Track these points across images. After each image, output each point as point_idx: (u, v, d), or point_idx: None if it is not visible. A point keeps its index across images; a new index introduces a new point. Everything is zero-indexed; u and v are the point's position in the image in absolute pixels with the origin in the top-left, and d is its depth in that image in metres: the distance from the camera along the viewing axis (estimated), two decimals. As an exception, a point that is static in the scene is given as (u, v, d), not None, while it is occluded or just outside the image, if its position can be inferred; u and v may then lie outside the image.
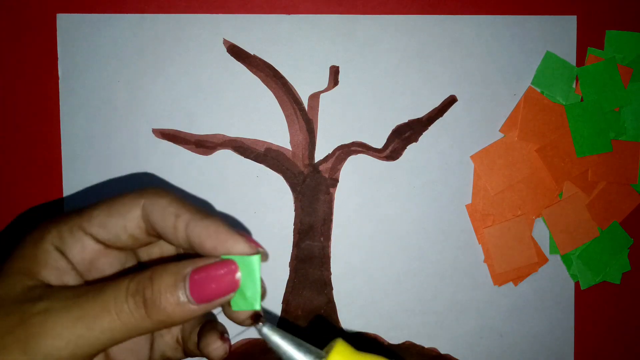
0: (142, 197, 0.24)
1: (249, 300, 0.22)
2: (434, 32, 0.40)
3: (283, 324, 0.40)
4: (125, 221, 0.24)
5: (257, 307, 0.22)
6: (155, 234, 0.24)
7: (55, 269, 0.23)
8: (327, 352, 0.22)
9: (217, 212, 0.40)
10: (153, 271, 0.22)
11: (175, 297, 0.21)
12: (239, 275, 0.22)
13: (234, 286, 0.22)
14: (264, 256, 0.23)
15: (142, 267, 0.26)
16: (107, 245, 0.24)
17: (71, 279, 0.24)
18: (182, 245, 0.23)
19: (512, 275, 0.41)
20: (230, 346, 0.26)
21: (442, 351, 0.41)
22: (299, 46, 0.40)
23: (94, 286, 0.22)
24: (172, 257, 0.27)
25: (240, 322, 0.24)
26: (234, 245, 0.22)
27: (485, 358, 0.42)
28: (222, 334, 0.26)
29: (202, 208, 0.24)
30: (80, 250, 0.24)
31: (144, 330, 0.22)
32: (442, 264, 0.41)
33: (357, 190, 0.40)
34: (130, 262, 0.27)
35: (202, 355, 0.25)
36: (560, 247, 0.41)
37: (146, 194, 0.24)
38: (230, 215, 0.40)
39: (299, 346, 0.22)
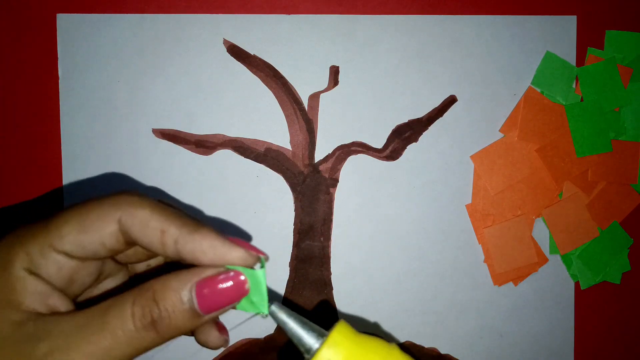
0: (118, 209, 0.22)
1: (256, 304, 0.22)
2: (434, 32, 0.40)
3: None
4: (101, 237, 0.22)
5: (265, 312, 0.22)
6: (136, 244, 0.22)
7: (37, 294, 0.21)
8: (329, 331, 0.22)
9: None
10: (155, 291, 0.21)
11: (185, 314, 0.21)
12: (247, 285, 0.21)
13: (242, 294, 0.22)
14: (265, 259, 0.22)
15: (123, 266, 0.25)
16: (83, 259, 0.22)
17: (57, 301, 0.22)
18: (172, 258, 0.22)
19: (512, 275, 0.41)
20: (228, 335, 0.25)
21: (442, 351, 0.41)
22: (299, 46, 0.40)
23: (93, 314, 0.21)
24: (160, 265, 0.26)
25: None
26: (234, 258, 0.21)
27: (485, 358, 0.42)
28: (219, 324, 0.25)
29: (186, 215, 0.22)
30: (56, 271, 0.22)
31: (155, 346, 0.21)
32: (442, 264, 0.41)
33: (357, 190, 0.40)
34: (111, 265, 0.25)
35: (200, 344, 0.25)
36: (560, 247, 0.41)
37: (121, 205, 0.22)
38: (227, 220, 0.40)
39: (303, 324, 0.22)
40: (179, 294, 0.21)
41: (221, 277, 0.21)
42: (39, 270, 0.21)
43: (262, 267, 0.22)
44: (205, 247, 0.21)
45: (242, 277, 0.21)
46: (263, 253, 0.22)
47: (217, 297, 0.21)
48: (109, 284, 0.25)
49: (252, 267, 0.22)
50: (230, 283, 0.21)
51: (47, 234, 0.21)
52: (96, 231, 0.21)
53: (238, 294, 0.21)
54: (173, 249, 0.21)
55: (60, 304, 0.22)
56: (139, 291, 0.21)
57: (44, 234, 0.21)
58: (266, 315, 0.22)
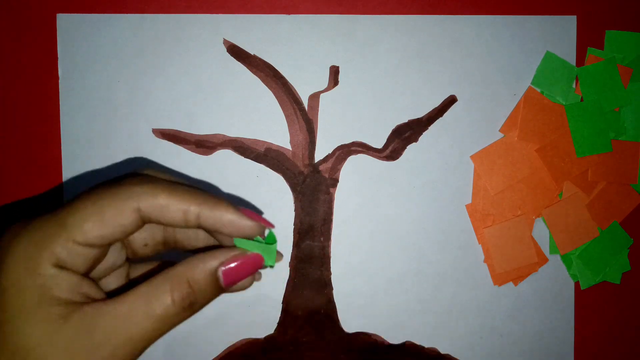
0: (135, 200, 0.23)
1: (265, 264, 0.26)
2: (434, 32, 0.40)
3: (283, 323, 0.40)
4: (122, 227, 0.23)
5: (273, 264, 0.26)
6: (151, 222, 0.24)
7: (71, 287, 0.23)
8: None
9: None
10: (188, 277, 0.23)
11: (213, 292, 0.24)
12: (264, 262, 0.25)
13: (258, 269, 0.25)
14: (273, 228, 0.26)
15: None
16: (106, 246, 0.24)
17: (89, 289, 0.23)
18: (189, 228, 0.25)
19: (512, 275, 0.41)
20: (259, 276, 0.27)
21: (442, 351, 0.41)
22: (299, 46, 0.40)
23: (134, 301, 0.23)
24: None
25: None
26: (249, 229, 0.24)
27: (485, 358, 0.42)
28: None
29: (201, 191, 0.24)
30: (82, 262, 0.23)
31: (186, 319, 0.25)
32: (442, 264, 0.41)
33: (357, 190, 0.40)
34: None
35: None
36: (560, 247, 0.41)
37: (138, 195, 0.23)
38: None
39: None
40: (209, 276, 0.24)
41: (243, 258, 0.24)
42: (66, 264, 0.22)
43: (270, 238, 0.26)
44: (226, 221, 0.24)
45: (259, 256, 0.25)
46: (271, 225, 0.26)
47: (239, 274, 0.24)
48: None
49: (262, 235, 0.25)
50: (250, 265, 0.25)
51: (68, 231, 0.22)
52: (117, 224, 0.23)
53: (255, 269, 0.25)
54: (195, 224, 0.24)
55: (93, 291, 0.23)
56: (173, 277, 0.23)
57: (64, 231, 0.22)
58: (272, 266, 0.26)
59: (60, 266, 0.22)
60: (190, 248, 0.28)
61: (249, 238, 0.25)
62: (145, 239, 0.27)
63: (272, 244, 0.25)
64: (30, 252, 0.22)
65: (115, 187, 0.23)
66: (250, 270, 0.25)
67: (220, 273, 0.24)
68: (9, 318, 0.22)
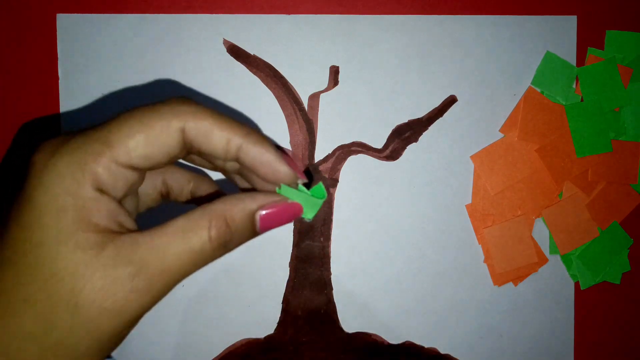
0: (181, 119, 0.22)
1: (304, 215, 0.25)
2: (434, 32, 0.40)
3: (283, 323, 0.40)
4: (167, 148, 0.22)
5: (311, 218, 0.25)
6: (191, 153, 0.24)
7: (109, 213, 0.22)
8: None
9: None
10: (226, 216, 0.23)
11: (248, 234, 0.24)
12: (302, 212, 0.24)
13: (295, 218, 0.25)
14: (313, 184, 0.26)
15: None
16: (146, 170, 0.23)
17: (125, 219, 0.22)
18: (225, 168, 0.24)
19: (512, 275, 0.41)
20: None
21: (442, 351, 0.41)
22: (299, 46, 0.40)
23: (172, 234, 0.22)
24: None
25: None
26: (285, 179, 0.24)
27: (485, 358, 0.42)
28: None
29: (247, 125, 0.24)
30: (121, 187, 0.22)
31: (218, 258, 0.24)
32: (442, 264, 0.41)
33: (357, 190, 0.40)
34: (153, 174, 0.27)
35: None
36: (560, 247, 0.41)
37: (184, 115, 0.22)
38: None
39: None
40: (247, 217, 0.23)
41: (283, 205, 0.24)
42: (107, 188, 0.21)
43: (319, 192, 0.25)
44: (264, 160, 0.23)
45: (299, 206, 0.24)
46: (305, 177, 0.25)
47: (275, 221, 0.24)
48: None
49: (296, 184, 0.24)
50: (289, 213, 0.24)
51: (112, 149, 0.21)
52: (162, 143, 0.22)
53: (292, 219, 0.24)
54: (234, 156, 0.23)
55: (127, 221, 0.22)
56: (212, 213, 0.22)
57: (107, 149, 0.21)
58: (310, 219, 0.25)
59: (101, 189, 0.21)
60: (182, 199, 0.28)
61: (283, 184, 0.24)
62: (150, 187, 0.27)
63: (319, 198, 0.25)
64: (71, 170, 0.21)
65: (160, 106, 0.22)
66: (287, 219, 0.24)
67: (257, 216, 0.23)
68: (44, 240, 0.20)
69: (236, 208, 0.23)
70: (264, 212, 0.23)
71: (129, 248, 0.21)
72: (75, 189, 0.21)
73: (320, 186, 0.25)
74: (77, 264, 0.20)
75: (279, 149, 0.24)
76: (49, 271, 0.20)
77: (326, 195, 0.25)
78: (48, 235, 0.20)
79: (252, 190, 0.25)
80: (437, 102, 0.41)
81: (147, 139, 0.22)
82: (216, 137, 0.23)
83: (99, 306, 0.20)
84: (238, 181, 0.27)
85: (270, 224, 0.24)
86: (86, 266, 0.20)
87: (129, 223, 0.22)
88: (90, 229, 0.21)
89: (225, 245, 0.23)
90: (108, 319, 0.21)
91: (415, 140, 0.41)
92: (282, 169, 0.23)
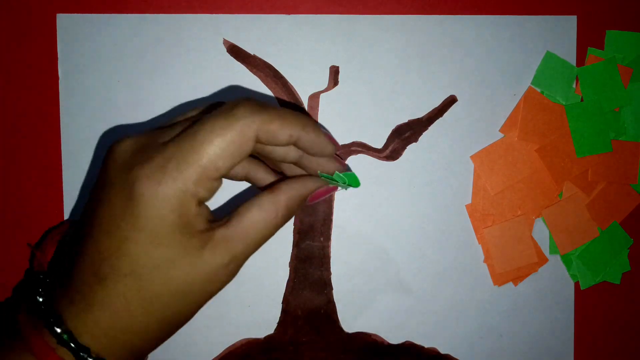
0: (256, 130, 0.26)
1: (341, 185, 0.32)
2: (434, 32, 0.40)
3: (283, 323, 0.40)
4: (244, 155, 0.26)
5: (345, 188, 0.32)
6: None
7: (205, 219, 0.27)
8: None
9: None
10: (289, 204, 0.28)
11: (301, 207, 0.30)
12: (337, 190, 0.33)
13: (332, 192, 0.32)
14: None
15: None
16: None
17: (209, 213, 0.28)
18: (282, 155, 0.29)
19: (512, 275, 0.41)
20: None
21: (442, 351, 0.41)
22: (299, 46, 0.40)
23: (253, 224, 0.28)
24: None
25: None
26: (330, 152, 0.30)
27: (485, 358, 0.42)
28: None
29: (298, 114, 0.28)
30: (210, 194, 0.27)
31: None
32: (442, 264, 0.41)
33: (357, 190, 0.40)
34: None
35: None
36: (560, 247, 0.41)
37: (256, 123, 0.26)
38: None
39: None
40: (302, 200, 0.30)
41: (326, 187, 0.31)
42: (204, 199, 0.27)
43: (354, 180, 0.32)
44: (317, 141, 0.29)
45: (334, 189, 0.32)
46: (347, 168, 0.33)
47: (320, 196, 0.31)
48: None
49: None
50: (328, 191, 0.31)
51: (205, 170, 0.25)
52: (242, 153, 0.26)
53: (330, 193, 0.32)
54: (291, 144, 0.28)
55: (210, 214, 0.28)
56: (278, 203, 0.28)
57: (202, 171, 0.25)
58: (346, 189, 0.33)
59: (201, 202, 0.26)
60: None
61: (327, 156, 0.30)
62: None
63: (354, 187, 0.32)
64: (178, 196, 0.25)
65: (234, 119, 0.26)
66: (324, 196, 0.31)
67: (308, 199, 0.30)
68: (165, 255, 0.26)
69: (297, 194, 0.29)
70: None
71: (221, 243, 0.26)
72: (185, 210, 0.26)
73: (354, 176, 0.32)
74: (188, 265, 0.26)
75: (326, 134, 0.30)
76: (166, 274, 0.26)
77: (360, 184, 0.32)
78: (167, 250, 0.26)
79: (290, 178, 0.31)
80: (437, 102, 0.41)
81: (232, 156, 0.26)
82: (281, 135, 0.27)
83: (205, 290, 0.27)
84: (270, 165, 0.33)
85: (313, 200, 0.31)
86: (193, 267, 0.26)
87: (210, 215, 0.28)
88: (194, 236, 0.26)
89: (284, 220, 0.29)
90: (209, 295, 0.28)
91: (415, 140, 0.41)
92: (328, 146, 0.30)
